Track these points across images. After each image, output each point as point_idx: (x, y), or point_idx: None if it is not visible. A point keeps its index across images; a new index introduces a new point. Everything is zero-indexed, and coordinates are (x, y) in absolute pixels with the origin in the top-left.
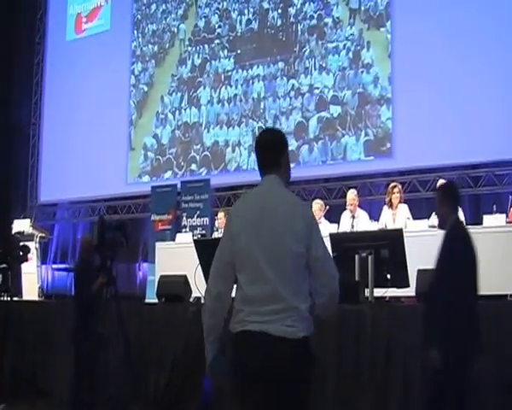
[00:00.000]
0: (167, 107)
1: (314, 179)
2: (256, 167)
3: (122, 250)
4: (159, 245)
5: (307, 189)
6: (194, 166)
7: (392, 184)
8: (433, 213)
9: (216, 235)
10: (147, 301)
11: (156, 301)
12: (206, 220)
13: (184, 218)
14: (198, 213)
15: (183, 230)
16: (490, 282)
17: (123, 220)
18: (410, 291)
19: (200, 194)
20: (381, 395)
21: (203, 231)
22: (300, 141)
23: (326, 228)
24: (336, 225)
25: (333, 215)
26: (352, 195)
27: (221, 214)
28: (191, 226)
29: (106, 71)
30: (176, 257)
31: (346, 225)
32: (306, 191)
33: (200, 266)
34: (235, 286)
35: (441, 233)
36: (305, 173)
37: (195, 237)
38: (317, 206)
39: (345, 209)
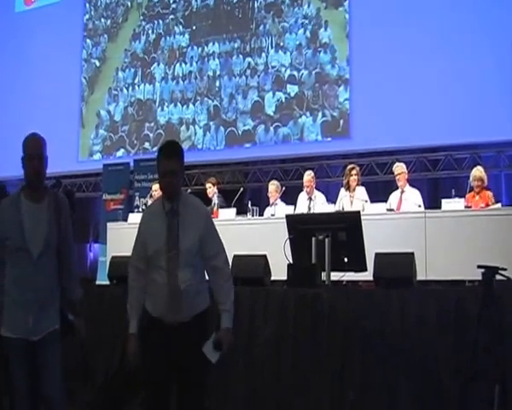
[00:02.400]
0: (120, 83)
1: (270, 160)
2: (212, 147)
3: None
4: (110, 225)
5: (263, 169)
6: (147, 145)
7: (350, 166)
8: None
9: None
10: (98, 283)
11: (108, 283)
12: None
13: (137, 197)
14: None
15: (136, 210)
16: (448, 268)
17: (69, 189)
18: (367, 275)
19: (154, 173)
20: (340, 382)
21: None
22: (257, 121)
23: (282, 210)
24: (293, 206)
25: (289, 197)
26: (308, 176)
27: (155, 186)
28: (144, 206)
29: (57, 45)
30: (128, 238)
31: (302, 207)
32: (262, 172)
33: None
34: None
35: (399, 217)
36: (261, 153)
37: None
38: (273, 187)
39: (301, 191)
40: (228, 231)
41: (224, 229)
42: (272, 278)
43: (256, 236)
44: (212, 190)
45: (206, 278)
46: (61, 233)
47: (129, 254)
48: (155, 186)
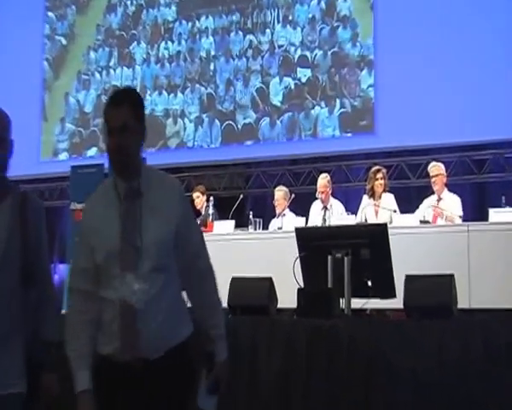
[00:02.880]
0: (92, 65)
1: (277, 161)
2: (205, 144)
3: None
4: None
5: (268, 172)
6: None
7: (375, 169)
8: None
9: None
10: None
11: None
12: None
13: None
14: None
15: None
16: (496, 294)
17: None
18: (396, 303)
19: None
20: None
21: None
22: (260, 113)
23: (291, 222)
24: (304, 218)
25: (300, 206)
26: (323, 181)
27: None
28: None
29: (10, 17)
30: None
31: (316, 218)
32: (267, 175)
33: None
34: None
35: (435, 231)
36: (266, 153)
37: None
38: (281, 194)
39: (315, 199)
40: (224, 248)
41: (219, 246)
42: (279, 305)
43: (259, 254)
44: (200, 201)
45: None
46: (29, 246)
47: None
48: None
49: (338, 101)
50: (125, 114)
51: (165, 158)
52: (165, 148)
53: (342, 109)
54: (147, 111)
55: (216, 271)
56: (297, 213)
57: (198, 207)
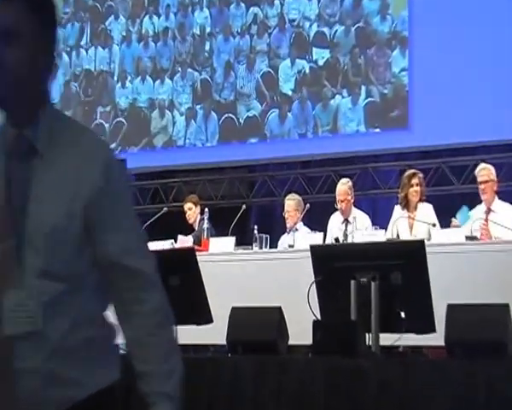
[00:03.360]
0: (58, 45)
1: (288, 163)
2: (199, 142)
3: None
4: None
5: (277, 177)
6: None
7: (410, 172)
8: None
9: None
10: None
11: None
12: None
13: None
14: None
15: None
16: None
17: None
18: (436, 338)
19: None
20: None
21: None
22: (267, 103)
23: (305, 238)
24: (321, 234)
25: (316, 218)
26: (344, 187)
27: None
28: None
29: None
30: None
31: (336, 233)
32: (276, 181)
33: None
34: None
35: (485, 249)
36: (274, 153)
37: None
38: (292, 203)
39: (335, 210)
40: (222, 270)
41: (216, 268)
42: (290, 341)
43: (265, 278)
44: (193, 213)
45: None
46: None
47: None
48: None
49: (363, 88)
50: (15, 14)
51: (150, 159)
52: (149, 147)
53: (369, 99)
54: (127, 101)
55: (212, 299)
56: (312, 228)
57: (190, 221)
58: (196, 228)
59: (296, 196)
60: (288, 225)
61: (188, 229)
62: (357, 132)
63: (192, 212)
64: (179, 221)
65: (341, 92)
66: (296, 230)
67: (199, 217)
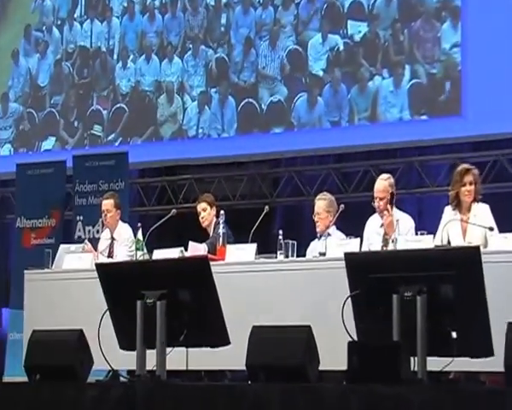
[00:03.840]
0: (48, 18)
1: (318, 156)
2: (214, 133)
3: None
4: (30, 275)
5: (306, 173)
6: (97, 130)
7: (462, 168)
8: None
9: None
10: (7, 380)
11: (25, 379)
12: None
13: (80, 224)
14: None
15: (76, 247)
16: None
17: None
18: (493, 363)
19: (111, 180)
20: None
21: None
22: (294, 86)
23: (339, 245)
24: (358, 239)
25: (352, 222)
26: (383, 183)
27: (106, 203)
28: (92, 240)
29: None
30: (63, 296)
31: (374, 239)
32: (304, 178)
33: (109, 313)
34: None
35: None
36: (302, 145)
37: (100, 260)
38: (324, 204)
39: (373, 211)
40: (242, 283)
41: (234, 280)
42: (321, 367)
43: (293, 292)
44: (208, 216)
45: None
46: None
47: (64, 326)
48: (106, 203)
49: (407, 68)
50: None
51: (156, 153)
52: (155, 138)
53: (414, 80)
54: (130, 84)
55: (229, 317)
56: (347, 233)
57: (204, 225)
58: (211, 233)
59: (328, 196)
60: (318, 230)
61: (201, 234)
62: (401, 120)
63: (206, 214)
64: (190, 225)
65: (381, 73)
66: (328, 235)
67: (214, 220)
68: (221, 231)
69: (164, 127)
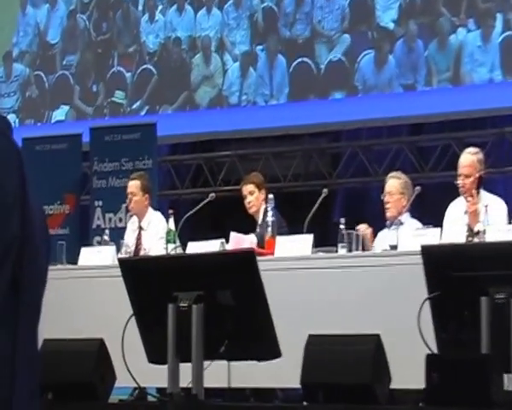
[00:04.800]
0: None
1: (389, 127)
2: (260, 100)
3: None
4: None
5: (373, 148)
6: (119, 96)
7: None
8: None
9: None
10: None
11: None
12: None
13: (98, 210)
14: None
15: (96, 238)
16: None
17: None
18: None
19: (136, 157)
20: None
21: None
22: (357, 42)
23: (415, 236)
24: (438, 229)
25: (431, 207)
26: (470, 158)
27: (133, 184)
28: (114, 229)
29: None
30: (79, 298)
31: (458, 228)
32: (372, 153)
33: (135, 319)
34: None
35: None
36: (369, 114)
37: (124, 255)
38: (395, 185)
39: (457, 194)
40: (296, 282)
41: (286, 279)
42: (393, 384)
43: (357, 293)
44: (256, 201)
45: None
46: None
47: (81, 335)
48: (132, 185)
49: (499, 18)
50: None
51: (190, 124)
52: (190, 106)
53: (507, 33)
54: (158, 40)
55: (280, 324)
56: (424, 222)
57: (251, 211)
58: (259, 222)
59: (401, 175)
60: (388, 215)
61: (246, 223)
62: (491, 82)
63: (254, 198)
64: (233, 212)
65: (466, 24)
66: (400, 224)
67: (263, 206)
68: (270, 219)
69: (199, 93)
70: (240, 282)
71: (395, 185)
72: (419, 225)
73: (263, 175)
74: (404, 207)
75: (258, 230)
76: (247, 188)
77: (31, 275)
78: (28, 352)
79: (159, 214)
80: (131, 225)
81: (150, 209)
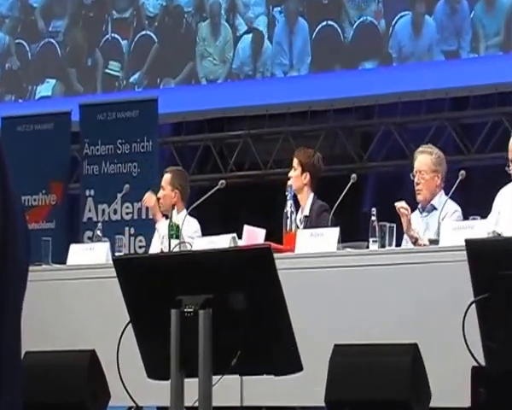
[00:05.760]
0: None
1: (428, 101)
2: (279, 72)
3: None
4: None
5: (410, 125)
6: (114, 68)
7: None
8: None
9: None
10: None
11: None
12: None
13: (90, 201)
14: (127, 188)
15: (87, 233)
16: None
17: None
18: None
19: (133, 139)
20: None
21: (140, 240)
22: (392, 3)
23: (457, 229)
24: (485, 221)
25: (477, 194)
26: None
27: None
28: (108, 223)
29: None
30: (68, 303)
31: (509, 220)
32: (408, 132)
33: (132, 327)
34: None
35: None
36: (405, 86)
37: (119, 254)
38: (427, 161)
39: (507, 180)
40: (320, 284)
41: (308, 279)
42: (433, 403)
43: (390, 296)
44: (295, 180)
45: None
46: None
47: (68, 346)
48: (164, 178)
49: None
50: None
51: (196, 99)
52: (195, 79)
53: None
54: (159, 2)
55: (301, 332)
56: (469, 211)
57: (292, 193)
58: (302, 208)
59: (433, 150)
60: (419, 199)
61: (261, 214)
62: None
63: (294, 176)
64: (246, 201)
65: None
66: (433, 209)
67: (308, 193)
68: (289, 208)
69: (207, 64)
70: (254, 283)
71: (427, 162)
72: (456, 207)
73: (280, 159)
74: (438, 187)
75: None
76: (293, 162)
77: (12, 267)
78: (12, 349)
79: (194, 221)
80: (157, 233)
81: (186, 214)
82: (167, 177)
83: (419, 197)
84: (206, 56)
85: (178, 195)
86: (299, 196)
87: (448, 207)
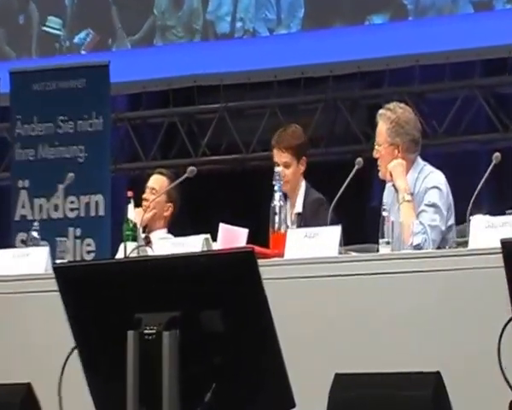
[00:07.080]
0: None
1: (453, 65)
2: (265, 31)
3: None
4: None
5: (431, 97)
6: (54, 25)
7: None
8: None
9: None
10: None
11: None
12: (99, 200)
13: (24, 194)
14: (71, 177)
15: (20, 234)
16: None
17: None
18: None
19: (80, 115)
20: None
21: (88, 244)
22: None
23: (490, 227)
24: None
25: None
26: None
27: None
28: (47, 222)
29: None
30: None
31: None
32: (428, 105)
33: (78, 354)
34: None
35: None
36: (424, 47)
37: (61, 261)
38: (384, 127)
39: None
40: (316, 296)
41: (301, 290)
42: None
43: (404, 311)
44: (292, 176)
45: None
46: None
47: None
48: (158, 179)
49: None
50: None
51: (159, 65)
52: (158, 39)
53: None
54: None
55: (292, 359)
56: (506, 205)
57: (285, 189)
58: (295, 206)
59: (397, 113)
60: (380, 176)
61: (242, 210)
62: None
63: (290, 173)
64: (222, 193)
65: None
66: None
67: (303, 184)
68: (277, 202)
69: (172, 19)
70: (233, 297)
71: (381, 132)
72: (437, 179)
73: (266, 139)
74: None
75: (293, 217)
76: (282, 157)
77: None
78: None
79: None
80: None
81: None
82: (164, 181)
83: (380, 175)
84: (171, 10)
85: (171, 211)
86: (290, 197)
87: (421, 184)
